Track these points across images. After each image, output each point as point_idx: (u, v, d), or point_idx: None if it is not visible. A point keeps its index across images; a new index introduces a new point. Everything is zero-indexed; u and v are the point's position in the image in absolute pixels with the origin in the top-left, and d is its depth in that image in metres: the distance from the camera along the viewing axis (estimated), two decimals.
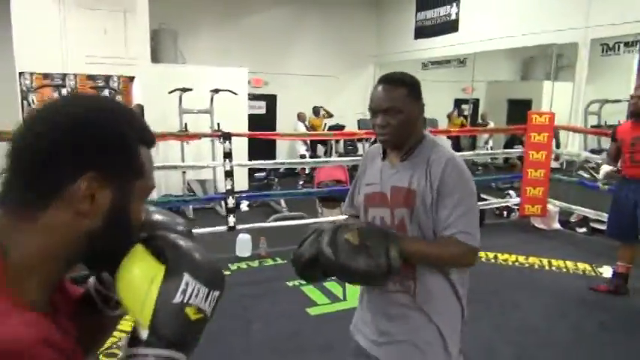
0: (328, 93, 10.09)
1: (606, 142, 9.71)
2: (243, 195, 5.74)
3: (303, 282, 3.83)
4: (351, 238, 1.27)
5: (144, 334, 0.62)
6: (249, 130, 7.86)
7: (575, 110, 6.38)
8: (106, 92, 7.32)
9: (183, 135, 5.37)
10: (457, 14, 8.32)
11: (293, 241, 5.30)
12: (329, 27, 10.17)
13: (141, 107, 6.80)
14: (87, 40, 7.02)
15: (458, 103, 11.26)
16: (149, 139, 0.67)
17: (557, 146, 8.19)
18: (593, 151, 7.97)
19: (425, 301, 1.40)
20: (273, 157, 8.95)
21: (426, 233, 1.38)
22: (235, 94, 7.19)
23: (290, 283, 3.83)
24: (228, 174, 4.15)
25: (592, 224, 5.33)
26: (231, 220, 4.18)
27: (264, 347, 2.91)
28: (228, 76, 7.86)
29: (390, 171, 1.47)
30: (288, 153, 9.71)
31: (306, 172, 8.63)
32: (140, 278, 0.62)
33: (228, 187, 4.13)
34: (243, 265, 4.20)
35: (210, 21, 9.31)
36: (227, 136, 4.19)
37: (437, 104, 10.52)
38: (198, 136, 4.85)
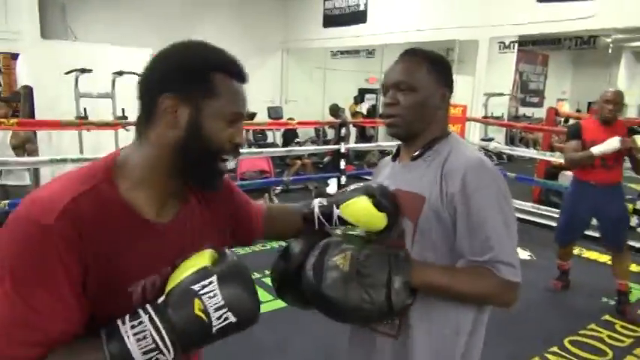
0: None
1: (493, 132, 10.71)
2: None
3: None
4: (341, 262, 0.96)
5: (161, 298, 0.71)
6: None
7: (476, 102, 6.89)
8: None
9: (93, 123, 4.81)
10: (366, 5, 8.50)
11: None
12: (236, 10, 9.80)
13: (29, 89, 5.99)
14: None
15: (361, 92, 11.61)
16: (232, 69, 0.82)
17: None
18: (482, 140, 8.72)
19: (412, 353, 1.07)
20: None
21: (430, 257, 1.06)
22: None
23: None
24: None
25: None
26: None
27: (216, 352, 2.73)
28: (130, 57, 7.19)
29: (399, 172, 1.17)
30: None
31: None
32: (190, 262, 0.75)
33: None
34: None
35: None
36: None
37: (344, 93, 10.74)
38: (121, 125, 4.34)
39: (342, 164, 4.95)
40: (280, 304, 3.34)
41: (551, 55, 13.22)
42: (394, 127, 1.13)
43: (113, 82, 6.51)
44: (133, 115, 6.58)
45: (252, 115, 9.31)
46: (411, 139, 1.15)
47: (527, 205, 5.23)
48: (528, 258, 4.44)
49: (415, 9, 7.67)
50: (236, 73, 0.82)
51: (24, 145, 4.34)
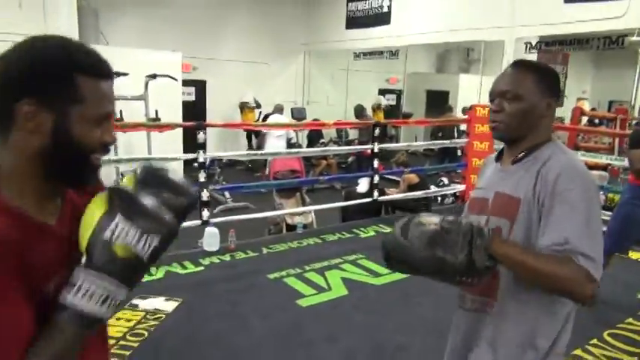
0: (259, 80, 9.91)
1: None
2: (218, 187, 5.60)
3: (285, 274, 3.86)
4: (426, 221, 1.05)
5: (83, 260, 0.73)
6: (183, 118, 7.51)
7: None
8: None
9: (154, 125, 5.00)
10: (389, 7, 8.59)
11: (257, 234, 5.23)
12: (259, 12, 9.96)
13: None
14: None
15: (382, 92, 11.68)
16: (97, 71, 0.76)
17: (459, 136, 8.86)
18: None
19: (498, 331, 1.20)
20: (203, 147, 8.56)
21: None
22: (175, 79, 6.82)
23: (271, 276, 3.78)
24: (202, 166, 3.96)
25: None
26: (205, 213, 4.00)
27: (269, 344, 2.86)
28: (161, 61, 7.40)
29: (499, 174, 1.28)
30: (218, 143, 9.42)
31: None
32: (88, 215, 0.74)
33: (202, 179, 3.94)
34: (215, 260, 4.06)
35: (133, 1, 8.66)
36: (201, 127, 4.00)
37: (365, 94, 10.83)
38: (171, 126, 4.52)
39: (375, 164, 5.06)
40: (325, 297, 3.51)
41: (572, 54, 13.16)
42: (497, 131, 1.22)
43: (146, 84, 6.69)
44: (165, 116, 6.77)
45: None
46: (514, 143, 1.23)
47: None
48: None
49: (440, 10, 7.74)
50: (101, 72, 0.77)
51: None
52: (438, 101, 10.77)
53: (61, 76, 0.72)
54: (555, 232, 1.07)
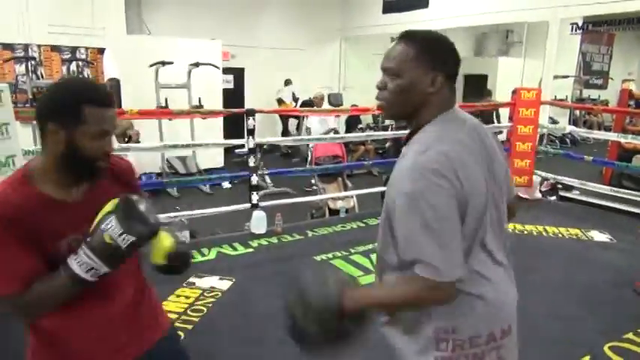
0: (295, 67, 9.98)
1: (556, 114, 10.38)
2: (267, 171, 5.80)
3: (331, 256, 3.95)
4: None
5: (88, 239, 1.05)
6: (224, 106, 7.67)
7: (545, 85, 6.78)
8: (73, 65, 6.81)
9: (207, 112, 5.17)
10: None
11: (300, 218, 5.29)
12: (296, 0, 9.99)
13: (116, 81, 6.42)
14: (50, 8, 6.47)
15: None
16: (99, 101, 1.08)
17: (498, 120, 8.68)
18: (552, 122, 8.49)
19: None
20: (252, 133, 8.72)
21: (390, 255, 1.14)
22: (217, 67, 6.96)
23: (318, 258, 3.89)
24: (252, 151, 4.09)
25: (561, 192, 5.80)
26: (255, 197, 4.13)
27: None
28: (202, 49, 7.55)
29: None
30: (261, 129, 9.56)
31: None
32: (102, 210, 1.07)
33: (252, 164, 4.06)
34: (264, 242, 4.19)
35: None
36: (251, 113, 4.11)
37: None
38: (222, 112, 4.68)
39: None
40: (372, 279, 3.57)
41: (617, 34, 12.65)
42: (382, 109, 1.17)
43: (189, 73, 6.86)
44: (206, 104, 6.93)
45: (311, 103, 9.50)
46: (407, 121, 1.16)
47: (606, 189, 5.17)
48: (607, 240, 4.43)
49: None
50: (101, 101, 1.09)
51: (124, 134, 4.73)
52: (476, 85, 10.57)
53: (72, 107, 1.06)
54: (401, 242, 1.06)
